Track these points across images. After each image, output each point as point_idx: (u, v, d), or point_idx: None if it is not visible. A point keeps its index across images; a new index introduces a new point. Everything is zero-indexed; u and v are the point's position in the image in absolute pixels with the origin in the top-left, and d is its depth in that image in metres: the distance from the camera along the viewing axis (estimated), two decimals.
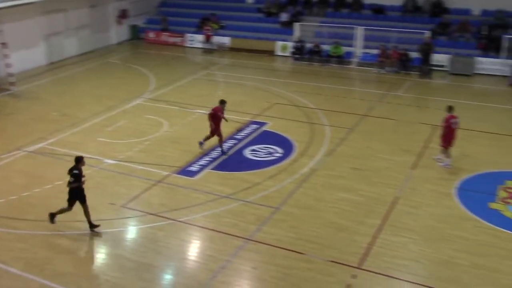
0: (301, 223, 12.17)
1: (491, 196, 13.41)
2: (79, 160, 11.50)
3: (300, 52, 28.52)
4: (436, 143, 16.13)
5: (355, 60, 27.61)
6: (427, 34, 26.15)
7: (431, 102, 21.81)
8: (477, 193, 13.58)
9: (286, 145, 16.66)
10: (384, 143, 16.92)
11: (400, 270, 10.48)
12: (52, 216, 11.78)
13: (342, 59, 27.62)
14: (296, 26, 29.17)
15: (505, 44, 24.83)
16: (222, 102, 16.00)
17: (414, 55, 26.05)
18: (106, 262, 11.12)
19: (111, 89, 23.03)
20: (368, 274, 10.36)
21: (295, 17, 30.58)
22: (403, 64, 26.07)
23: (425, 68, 25.17)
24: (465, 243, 11.34)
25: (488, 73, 25.36)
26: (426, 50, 25.03)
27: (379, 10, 30.14)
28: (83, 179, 11.45)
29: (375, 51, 27.00)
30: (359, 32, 27.31)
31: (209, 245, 11.53)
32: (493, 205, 13.00)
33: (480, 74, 25.43)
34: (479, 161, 15.44)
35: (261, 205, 12.96)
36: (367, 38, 27.51)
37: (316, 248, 11.19)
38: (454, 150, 15.21)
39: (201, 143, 16.14)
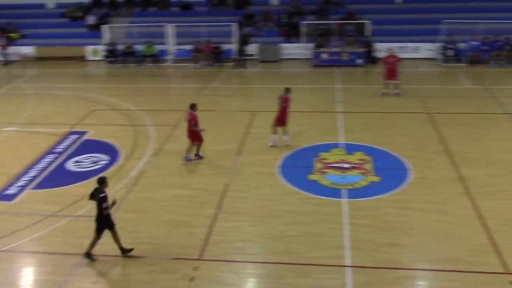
0: (137, 226, 12.00)
1: (309, 169, 14.66)
2: (103, 181, 10.43)
3: (112, 55, 27.83)
4: (257, 127, 17.14)
5: (169, 57, 27.82)
6: (244, 28, 27.39)
7: (246, 90, 23.01)
8: (297, 168, 14.74)
9: (111, 151, 16.20)
10: (209, 134, 17.34)
11: (239, 253, 10.95)
12: (88, 255, 10.61)
13: (157, 58, 27.63)
14: (105, 28, 28.35)
15: (303, 29, 27.14)
16: (191, 106, 15.16)
17: (226, 47, 27.15)
18: None
19: None
20: (210, 263, 10.64)
21: (103, 20, 29.70)
22: (217, 57, 27.01)
23: (240, 58, 26.36)
24: (292, 216, 12.26)
25: (293, 57, 27.54)
26: (244, 41, 26.22)
27: (186, 6, 30.72)
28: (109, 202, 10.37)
29: (188, 47, 27.50)
30: (170, 29, 27.54)
31: (41, 270, 10.76)
32: (312, 177, 14.24)
33: (286, 59, 27.49)
34: (295, 139, 16.72)
35: (93, 217, 12.43)
36: (178, 35, 27.88)
37: (156, 248, 11.14)
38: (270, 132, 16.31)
39: (198, 156, 15.39)
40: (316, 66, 26.08)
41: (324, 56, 26.14)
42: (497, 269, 10.15)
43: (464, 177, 13.88)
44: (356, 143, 16.24)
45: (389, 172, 14.35)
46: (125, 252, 10.78)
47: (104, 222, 10.50)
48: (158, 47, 27.76)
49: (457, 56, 25.72)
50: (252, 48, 27.21)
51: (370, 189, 13.43)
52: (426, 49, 26.66)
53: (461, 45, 25.94)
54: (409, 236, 11.35)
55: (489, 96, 20.51)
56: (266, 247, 11.17)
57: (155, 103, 20.91)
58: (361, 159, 15.14)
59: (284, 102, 16.02)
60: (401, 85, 20.67)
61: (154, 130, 17.92)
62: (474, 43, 25.67)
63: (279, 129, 16.19)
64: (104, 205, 10.33)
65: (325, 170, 14.57)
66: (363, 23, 27.21)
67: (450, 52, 25.68)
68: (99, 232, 10.56)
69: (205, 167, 14.96)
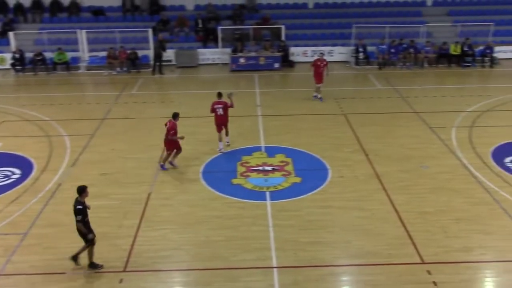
0: (56, 242, 11.47)
1: (232, 173, 14.73)
2: (82, 191, 10.13)
3: (21, 63, 26.46)
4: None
5: (83, 64, 26.90)
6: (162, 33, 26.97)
7: (165, 96, 22.74)
8: (220, 173, 14.76)
9: (24, 164, 15.38)
10: (129, 143, 17.01)
11: (165, 262, 10.78)
12: (93, 265, 10.38)
13: (69, 65, 26.60)
14: (11, 35, 26.87)
15: (220, 35, 27.24)
16: (173, 116, 14.80)
17: (142, 53, 26.69)
18: None
19: None
20: (135, 274, 10.39)
21: (8, 26, 28.17)
22: (133, 63, 26.46)
23: (157, 64, 25.95)
24: (217, 221, 12.27)
25: (211, 62, 27.59)
26: (161, 48, 25.79)
27: (98, 12, 29.85)
28: (88, 211, 10.11)
29: (103, 53, 26.72)
30: (82, 35, 26.63)
31: None
32: (235, 181, 14.31)
33: (204, 64, 27.50)
34: (217, 143, 16.72)
35: (6, 234, 11.77)
36: (91, 41, 27.06)
37: (78, 263, 10.70)
38: (191, 137, 16.21)
39: (171, 163, 15.09)
40: (234, 70, 26.28)
41: (242, 60, 26.39)
42: (415, 259, 10.73)
43: (379, 173, 14.55)
44: (277, 146, 16.54)
45: (310, 172, 14.74)
46: (75, 261, 10.51)
47: (80, 231, 10.27)
48: (70, 54, 26.74)
49: (368, 59, 26.92)
50: (169, 54, 26.92)
51: (292, 190, 13.73)
52: (339, 53, 27.68)
53: (371, 48, 27.18)
54: (331, 233, 11.72)
55: (398, 96, 21.65)
56: (192, 254, 11.08)
57: (70, 112, 20.14)
58: (282, 161, 15.43)
59: (212, 107, 16.13)
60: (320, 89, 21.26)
61: (69, 140, 17.23)
62: (382, 46, 26.97)
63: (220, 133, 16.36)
64: (78, 218, 10.09)
65: (248, 174, 14.70)
66: (278, 27, 27.78)
67: (361, 55, 26.82)
68: (86, 239, 10.32)
69: (126, 176, 14.60)
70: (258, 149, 16.43)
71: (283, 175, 14.60)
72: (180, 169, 15.04)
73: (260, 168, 15.03)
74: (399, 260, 10.71)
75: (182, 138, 14.84)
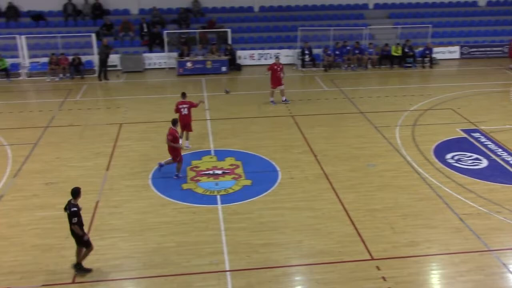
0: (0, 256, 11.03)
1: (182, 178, 14.60)
2: (77, 193, 10.14)
3: None
4: (125, 139, 16.80)
5: (23, 71, 25.98)
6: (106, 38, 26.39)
7: (111, 102, 22.28)
8: (170, 178, 14.59)
9: None
10: (74, 150, 16.56)
11: (116, 271, 10.55)
12: (80, 266, 10.33)
13: (8, 72, 25.60)
14: None
15: (166, 39, 26.98)
16: (173, 122, 14.50)
17: (86, 58, 26.07)
18: None
19: None
20: (85, 286, 10.11)
21: None
22: (76, 69, 25.79)
23: (102, 70, 25.37)
24: (169, 227, 12.12)
25: (158, 67, 27.27)
26: (106, 53, 25.21)
27: (38, 17, 28.91)
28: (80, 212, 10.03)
29: (45, 59, 25.92)
30: (21, 41, 25.73)
31: None
32: (186, 186, 14.20)
33: (150, 68, 27.15)
34: (166, 149, 16.49)
35: None
36: (32, 47, 26.20)
37: (24, 277, 10.32)
38: (140, 143, 15.97)
39: (161, 164, 14.78)
40: (182, 75, 26.08)
41: (189, 65, 26.23)
42: (364, 256, 10.97)
43: (328, 173, 14.81)
44: (227, 149, 16.53)
45: (260, 174, 14.82)
46: (77, 266, 10.42)
47: (73, 235, 10.20)
48: (10, 61, 25.76)
49: (314, 61, 27.35)
50: (113, 59, 26.40)
51: (243, 193, 13.75)
52: (285, 55, 27.95)
53: (317, 51, 27.63)
54: (283, 234, 11.82)
55: (344, 97, 22.12)
56: (144, 262, 10.89)
57: (11, 121, 19.40)
58: (232, 165, 15.44)
59: (176, 107, 16.29)
60: (274, 92, 21.39)
61: (11, 149, 16.60)
62: (327, 48, 27.46)
63: (184, 133, 16.54)
64: (74, 220, 10.01)
65: (198, 178, 14.62)
66: (224, 31, 27.80)
67: (307, 58, 27.22)
68: (82, 243, 10.29)
69: (72, 185, 14.07)
70: (207, 153, 16.37)
71: (234, 178, 14.61)
72: (129, 175, 14.78)
73: (210, 172, 14.98)
74: (349, 258, 10.92)
75: (181, 146, 14.81)
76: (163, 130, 17.98)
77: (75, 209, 10.06)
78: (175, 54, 26.89)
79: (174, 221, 12.37)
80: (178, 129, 14.87)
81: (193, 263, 10.76)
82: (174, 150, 14.50)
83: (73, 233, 10.23)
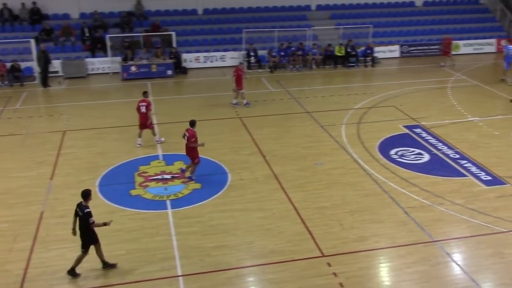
0: None
1: (131, 185, 14.37)
2: (88, 195, 10.29)
3: None
4: (69, 147, 16.40)
5: None
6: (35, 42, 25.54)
7: (53, 109, 21.63)
8: (117, 185, 14.33)
9: None
10: (15, 161, 15.97)
11: (64, 283, 10.27)
12: (73, 271, 10.32)
13: None
14: None
15: (109, 43, 26.45)
16: (191, 123, 14.49)
17: (25, 65, 25.19)
18: None
19: None
20: None
21: None
22: (15, 76, 24.87)
23: (43, 76, 24.56)
24: (118, 234, 11.88)
25: (101, 72, 26.66)
26: (44, 59, 24.39)
27: None
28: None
29: None
30: None
31: None
32: (134, 192, 13.97)
33: (94, 74, 26.51)
34: (112, 155, 16.25)
35: None
36: None
37: None
38: (85, 150, 15.59)
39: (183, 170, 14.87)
40: (126, 79, 25.63)
41: (133, 69, 25.81)
42: (315, 253, 11.15)
43: (277, 173, 14.95)
44: (175, 153, 16.39)
45: (209, 177, 14.78)
46: (108, 266, 10.62)
47: (89, 237, 10.29)
48: None
49: (259, 63, 27.53)
50: (55, 65, 25.63)
51: (193, 197, 13.69)
52: (231, 57, 28.01)
53: (262, 52, 27.83)
54: (234, 236, 11.84)
55: (290, 98, 22.39)
56: (94, 271, 10.63)
57: None
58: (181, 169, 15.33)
59: (138, 105, 16.67)
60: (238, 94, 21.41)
61: None
62: (272, 50, 27.70)
63: (144, 131, 16.93)
64: (91, 220, 10.11)
65: (146, 184, 14.42)
66: (169, 34, 27.54)
67: (253, 59, 27.37)
68: (86, 248, 10.34)
69: (14, 197, 13.68)
70: (155, 157, 16.18)
71: (183, 182, 14.51)
72: (74, 184, 14.38)
73: (159, 177, 14.81)
74: (300, 256, 11.07)
75: (202, 145, 14.57)
76: (108, 136, 17.76)
77: (89, 209, 10.19)
78: (118, 59, 26.40)
79: (123, 229, 12.15)
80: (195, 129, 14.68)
81: (144, 270, 10.61)
82: (194, 151, 14.45)
83: (84, 236, 10.28)
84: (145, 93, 17.22)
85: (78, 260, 10.41)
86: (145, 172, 15.10)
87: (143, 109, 16.59)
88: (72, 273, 10.42)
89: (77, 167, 15.47)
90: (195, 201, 13.44)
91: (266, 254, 11.20)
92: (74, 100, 22.26)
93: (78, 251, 11.20)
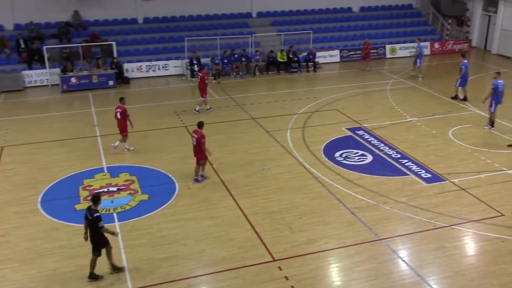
0: None
1: (75, 199, 13.98)
2: (98, 199, 10.45)
3: None
4: (7, 163, 15.77)
5: None
6: None
7: None
8: (61, 200, 13.91)
9: None
10: None
11: None
12: (93, 276, 10.45)
13: None
14: None
15: (46, 54, 25.66)
16: (200, 125, 14.75)
17: None
18: None
19: None
20: None
21: None
22: None
23: None
24: (64, 251, 11.55)
25: (39, 84, 25.81)
26: None
27: None
28: None
29: None
30: None
31: None
32: (79, 206, 13.60)
33: (32, 86, 25.62)
34: (55, 170, 15.76)
35: None
36: None
37: None
38: (26, 165, 15.05)
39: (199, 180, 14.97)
40: (66, 91, 24.91)
41: (73, 80, 25.14)
42: (266, 258, 11.23)
43: (225, 181, 14.97)
44: (120, 165, 16.10)
45: (157, 188, 14.61)
46: (116, 269, 10.71)
47: (100, 240, 10.34)
48: None
49: None
50: None
51: (140, 208, 13.48)
52: (174, 66, 27.83)
53: (205, 60, 27.80)
54: (185, 246, 11.75)
55: (235, 105, 22.48)
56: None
57: None
58: (127, 180, 15.06)
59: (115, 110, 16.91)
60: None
61: None
62: (215, 57, 27.73)
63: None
64: (100, 225, 10.19)
65: None
66: (109, 44, 27.04)
67: (196, 67, 27.26)
68: (97, 251, 10.42)
69: None
70: (100, 170, 15.83)
71: (130, 194, 14.26)
72: (15, 201, 13.85)
73: (105, 189, 14.49)
74: (252, 262, 11.12)
75: (209, 154, 14.99)
76: (49, 150, 17.26)
77: (99, 214, 10.25)
78: (57, 70, 25.64)
79: (69, 245, 11.80)
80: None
81: (93, 285, 10.34)
82: (202, 152, 14.61)
83: (95, 239, 10.34)
84: (121, 99, 17.25)
85: (93, 263, 10.49)
86: (90, 186, 14.74)
87: (118, 115, 16.78)
88: (93, 277, 10.51)
89: (17, 183, 14.91)
90: (143, 212, 13.24)
91: (218, 261, 11.17)
92: (11, 115, 21.42)
93: (22, 271, 10.85)
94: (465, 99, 22.06)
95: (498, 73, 19.40)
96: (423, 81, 25.75)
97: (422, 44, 27.72)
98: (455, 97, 22.48)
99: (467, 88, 22.46)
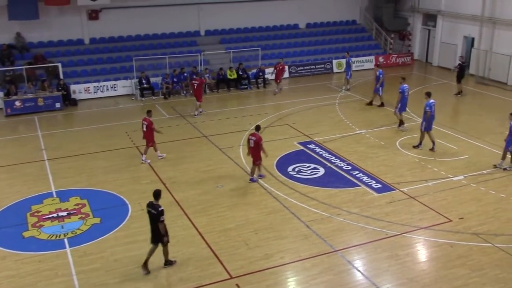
0: None
1: (23, 226, 13.49)
2: (159, 195, 11.10)
3: None
4: None
5: None
6: None
7: None
8: (7, 228, 13.39)
9: None
10: None
11: None
12: (168, 262, 11.41)
13: None
14: None
15: None
16: (258, 128, 16.08)
17: None
18: None
19: None
20: None
21: None
22: None
23: None
24: (12, 281, 11.09)
25: None
26: None
27: None
28: None
29: None
30: None
31: None
32: (27, 233, 13.13)
33: None
34: (0, 197, 15.17)
35: None
36: None
37: None
38: None
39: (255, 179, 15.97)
40: (10, 115, 24.11)
41: (18, 104, 24.35)
42: (223, 276, 11.16)
43: (179, 200, 14.83)
44: (70, 189, 15.68)
45: (109, 210, 14.31)
46: (168, 263, 11.52)
47: (161, 234, 11.04)
48: None
49: (153, 90, 27.23)
50: None
51: (92, 232, 13.15)
52: (123, 86, 27.45)
53: (154, 79, 27.59)
54: (140, 268, 11.50)
55: (186, 123, 22.37)
56: None
57: None
58: (77, 204, 14.68)
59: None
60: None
61: None
62: (165, 76, 27.56)
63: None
64: (162, 218, 10.90)
65: (41, 223, 13.62)
66: (54, 66, 26.41)
67: (145, 87, 27.03)
68: (164, 242, 11.21)
69: None
70: (49, 195, 15.36)
71: (81, 218, 13.89)
72: None
73: (54, 215, 14.06)
74: (209, 280, 11.03)
75: (266, 155, 15.94)
76: None
77: (162, 208, 10.93)
78: (0, 94, 24.82)
79: (17, 274, 11.35)
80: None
81: None
82: (258, 153, 15.57)
83: (158, 231, 11.03)
84: (148, 112, 17.95)
85: (165, 252, 11.39)
86: (39, 211, 14.26)
87: (144, 128, 17.56)
88: (168, 263, 11.50)
89: None
90: (96, 236, 12.92)
91: (175, 282, 11.01)
92: None
93: None
94: (401, 123, 21.08)
95: (404, 78, 21.36)
96: (369, 94, 26.42)
97: (351, 58, 29.00)
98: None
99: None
